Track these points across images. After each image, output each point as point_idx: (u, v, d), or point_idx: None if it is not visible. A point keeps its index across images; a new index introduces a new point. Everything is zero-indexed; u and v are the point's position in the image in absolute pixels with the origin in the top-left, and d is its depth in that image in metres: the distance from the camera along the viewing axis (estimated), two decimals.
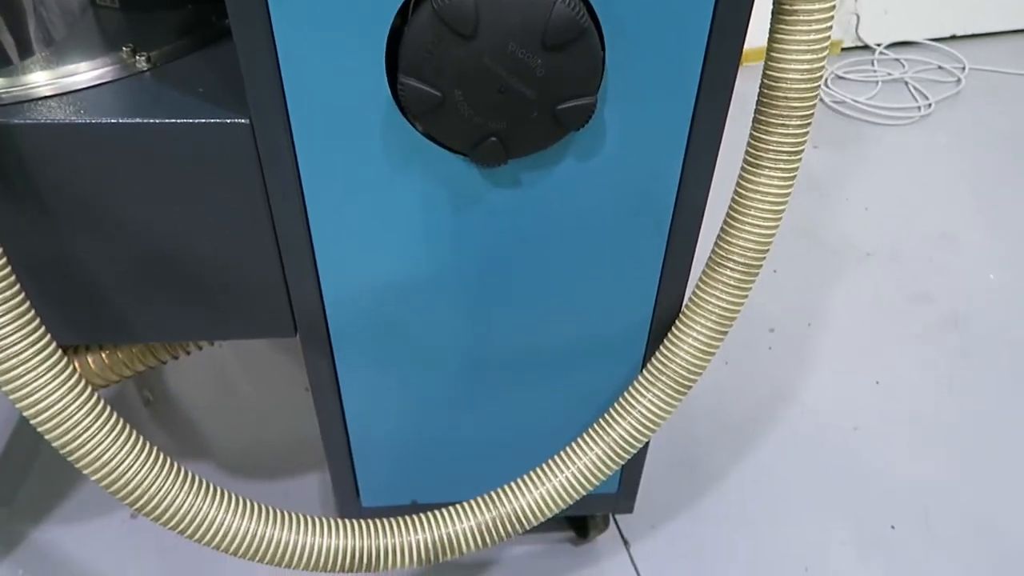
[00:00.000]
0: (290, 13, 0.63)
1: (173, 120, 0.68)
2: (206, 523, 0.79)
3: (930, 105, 2.44)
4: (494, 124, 0.67)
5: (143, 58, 0.75)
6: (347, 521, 0.86)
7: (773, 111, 0.73)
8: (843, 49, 2.73)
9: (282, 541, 0.82)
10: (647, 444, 1.07)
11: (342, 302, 0.83)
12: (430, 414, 0.98)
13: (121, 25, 0.75)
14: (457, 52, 0.62)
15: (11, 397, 0.70)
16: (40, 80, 0.72)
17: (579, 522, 1.28)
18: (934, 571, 1.26)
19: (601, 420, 0.91)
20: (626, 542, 1.29)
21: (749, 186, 0.77)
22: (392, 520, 0.89)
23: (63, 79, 0.73)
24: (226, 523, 0.79)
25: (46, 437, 0.72)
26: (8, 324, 0.67)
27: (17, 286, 0.68)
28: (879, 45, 2.70)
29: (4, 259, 0.67)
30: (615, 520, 1.32)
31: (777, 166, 0.76)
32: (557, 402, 0.97)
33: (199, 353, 1.58)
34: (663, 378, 0.88)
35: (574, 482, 0.90)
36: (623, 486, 1.13)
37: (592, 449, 0.90)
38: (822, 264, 1.87)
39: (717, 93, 0.70)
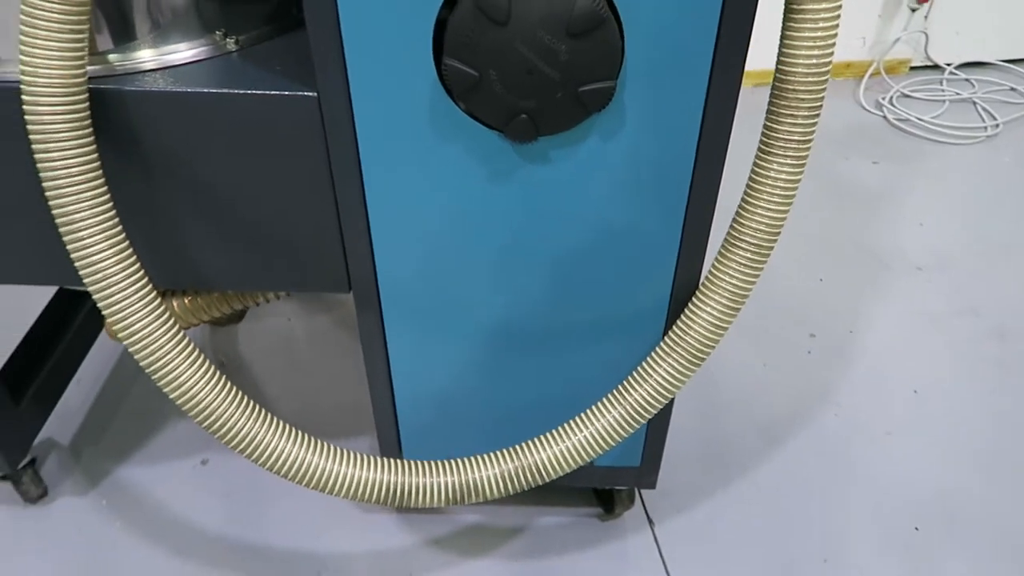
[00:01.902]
0: (354, 6, 0.74)
1: (253, 92, 0.80)
2: (262, 446, 0.91)
3: (997, 125, 2.42)
4: (524, 103, 0.76)
5: (232, 40, 0.88)
6: (387, 459, 0.97)
7: (783, 103, 0.80)
8: (911, 68, 2.73)
9: (329, 470, 0.93)
10: (668, 419, 1.14)
11: (391, 262, 0.94)
12: (466, 375, 1.07)
13: (216, 12, 0.89)
14: (492, 37, 0.72)
15: (115, 328, 0.84)
16: (146, 56, 0.86)
17: (606, 497, 1.35)
18: (952, 573, 1.28)
19: (621, 386, 0.99)
20: (651, 521, 1.36)
21: (761, 172, 0.84)
22: (426, 462, 0.98)
23: (165, 56, 0.86)
24: (279, 448, 0.91)
25: (140, 362, 0.86)
26: (115, 265, 0.81)
27: (123, 234, 0.82)
28: (949, 65, 2.69)
29: (113, 210, 0.81)
30: (642, 499, 1.38)
31: (787, 154, 0.83)
32: (582, 368, 1.06)
33: (270, 325, 1.73)
34: (679, 349, 0.95)
35: (593, 441, 0.98)
36: (645, 460, 1.20)
37: (611, 411, 0.98)
38: (870, 275, 1.89)
39: (727, 78, 0.78)
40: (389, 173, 0.86)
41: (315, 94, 0.80)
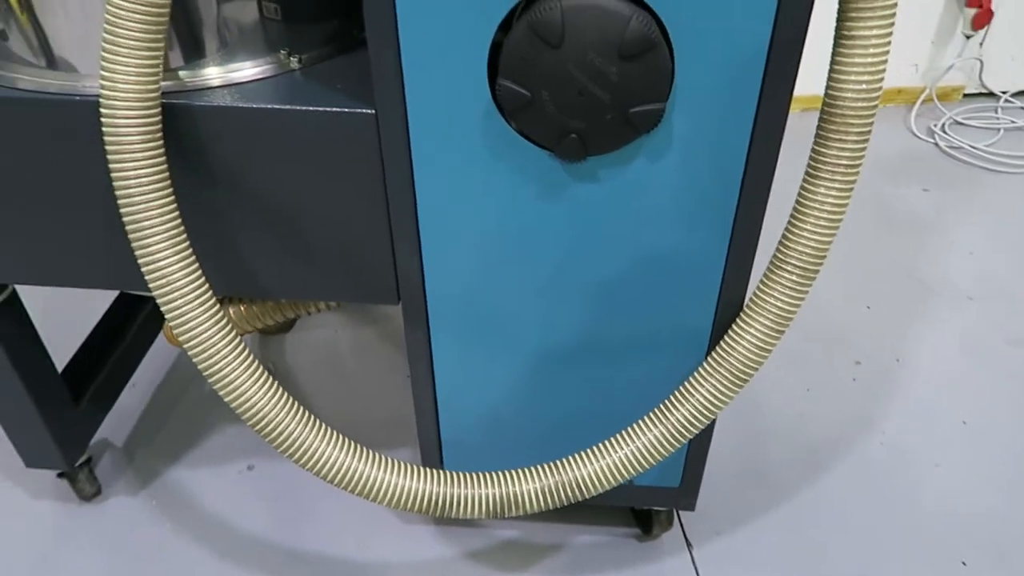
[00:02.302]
0: (414, 28, 0.77)
1: (315, 108, 0.84)
2: (310, 451, 0.93)
3: None
4: (575, 123, 0.78)
5: (295, 59, 0.92)
6: (430, 469, 0.99)
7: (832, 127, 0.81)
8: (965, 95, 2.69)
9: (374, 478, 0.96)
10: (708, 440, 1.14)
11: (439, 275, 0.97)
12: (509, 389, 1.09)
13: (281, 32, 0.93)
14: (545, 59, 0.74)
15: (176, 331, 0.87)
16: (214, 73, 0.90)
17: (644, 518, 1.35)
18: None
19: (663, 405, 0.99)
20: (689, 543, 1.35)
21: (808, 196, 0.85)
22: (468, 474, 1.00)
23: (232, 73, 0.90)
24: (327, 453, 0.93)
25: (198, 366, 0.89)
26: (179, 272, 0.85)
27: (187, 241, 0.86)
28: (1004, 92, 2.64)
29: (179, 219, 0.85)
30: (680, 521, 1.38)
31: (835, 178, 0.83)
32: (624, 386, 1.06)
33: (317, 336, 1.77)
34: (722, 370, 0.95)
35: (634, 459, 0.99)
36: (685, 481, 1.20)
37: (652, 430, 0.98)
38: (919, 303, 1.87)
39: (776, 102, 0.79)
40: (441, 188, 0.89)
41: (373, 111, 0.84)
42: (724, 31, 0.75)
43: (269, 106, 0.85)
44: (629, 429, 1.00)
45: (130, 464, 1.48)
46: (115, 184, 0.82)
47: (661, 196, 0.87)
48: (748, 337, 0.93)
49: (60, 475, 1.36)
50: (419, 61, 0.79)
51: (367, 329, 1.81)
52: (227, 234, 0.96)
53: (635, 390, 1.06)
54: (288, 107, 0.84)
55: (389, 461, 0.97)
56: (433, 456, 1.19)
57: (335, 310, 1.52)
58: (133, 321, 1.48)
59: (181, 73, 0.89)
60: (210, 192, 0.92)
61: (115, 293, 1.51)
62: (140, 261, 0.85)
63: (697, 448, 1.15)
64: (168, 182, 0.84)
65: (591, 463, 1.00)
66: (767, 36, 0.75)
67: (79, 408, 1.31)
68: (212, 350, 0.88)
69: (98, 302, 1.50)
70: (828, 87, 0.80)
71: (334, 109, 0.84)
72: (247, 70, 0.91)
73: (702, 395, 0.96)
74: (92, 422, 1.37)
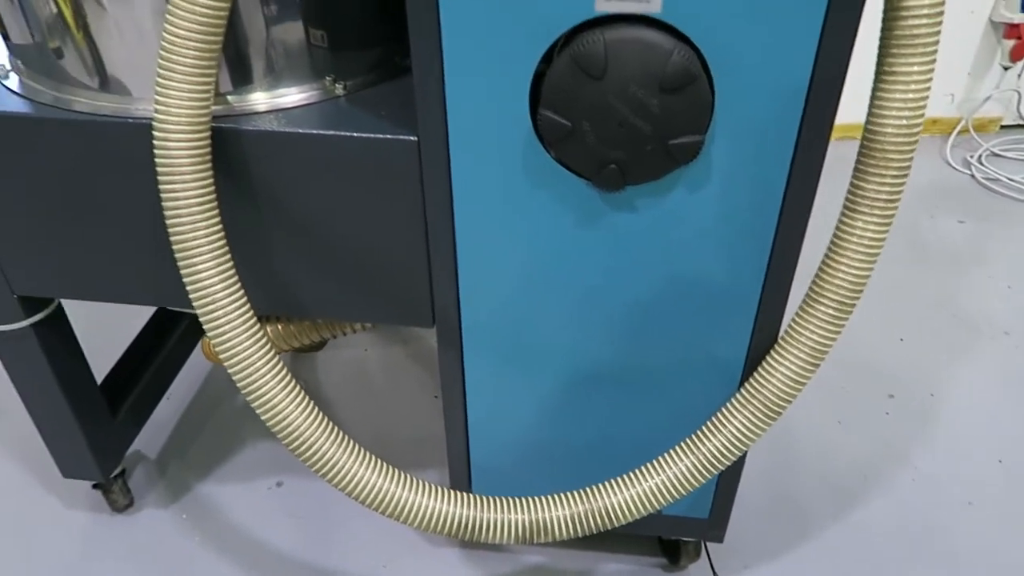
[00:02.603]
0: (458, 57, 0.78)
1: (360, 134, 0.86)
2: (343, 471, 0.94)
3: None
4: (614, 153, 0.79)
5: (341, 86, 0.94)
6: (461, 493, 0.99)
7: (871, 162, 0.81)
8: (1002, 127, 2.66)
9: (404, 499, 0.96)
10: (739, 472, 1.13)
11: (475, 300, 0.98)
12: (540, 414, 1.09)
13: (327, 59, 0.95)
14: (587, 90, 0.76)
15: (217, 348, 0.89)
16: (261, 98, 0.93)
17: (671, 548, 1.33)
18: None
19: (694, 435, 0.99)
20: None
21: (846, 229, 0.85)
22: (498, 498, 1.00)
23: (278, 98, 0.93)
24: (358, 473, 0.94)
25: (236, 381, 0.91)
26: (222, 290, 0.87)
27: (231, 260, 0.88)
28: None
29: (224, 239, 0.87)
30: (708, 553, 1.36)
31: (873, 212, 0.83)
32: (655, 415, 1.06)
33: (347, 355, 1.78)
34: (755, 401, 0.95)
35: (664, 488, 0.98)
36: (714, 513, 1.19)
37: (683, 460, 0.98)
38: (954, 337, 1.84)
39: (815, 136, 0.79)
40: (479, 214, 0.90)
41: (415, 138, 0.85)
42: (765, 66, 0.75)
43: (315, 131, 0.87)
44: (660, 459, 1.00)
45: (162, 477, 1.50)
46: (164, 204, 0.85)
47: (698, 226, 0.87)
48: (782, 369, 0.93)
49: (95, 486, 1.38)
50: (462, 90, 0.81)
51: (396, 348, 1.83)
52: (269, 254, 0.98)
53: (665, 419, 1.06)
54: (333, 132, 0.86)
55: (420, 483, 0.98)
56: (462, 478, 1.20)
57: (365, 330, 1.53)
58: (170, 336, 1.51)
59: (229, 97, 0.92)
60: (254, 213, 0.94)
61: (153, 308, 1.54)
62: (185, 279, 0.87)
63: (727, 480, 1.14)
64: (214, 203, 0.86)
65: (621, 491, 0.99)
66: (808, 73, 0.75)
67: (116, 420, 1.33)
68: (251, 368, 0.89)
69: (136, 317, 1.53)
70: (868, 122, 0.80)
71: (378, 135, 0.86)
72: (293, 95, 0.93)
73: (734, 427, 0.96)
74: (128, 434, 1.40)
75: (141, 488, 1.47)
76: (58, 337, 1.16)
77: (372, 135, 0.86)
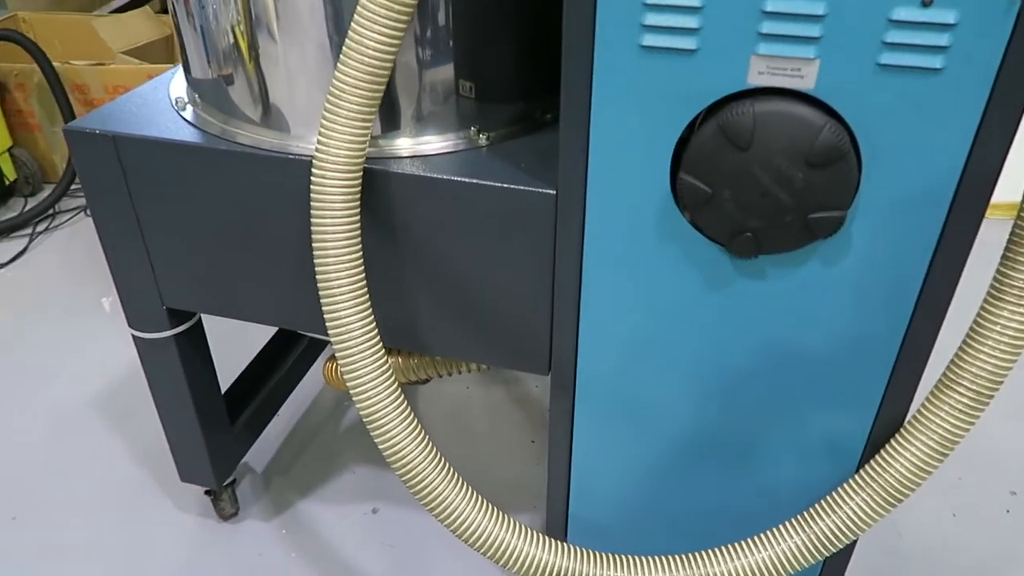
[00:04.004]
0: (606, 118, 0.81)
1: (502, 184, 0.90)
2: (449, 508, 0.96)
3: None
4: (752, 222, 0.80)
5: (484, 136, 0.99)
6: (565, 543, 0.99)
7: (1022, 249, 0.78)
8: None
9: (514, 547, 0.97)
10: (847, 558, 1.09)
11: (593, 353, 0.99)
12: (646, 474, 1.09)
13: (472, 110, 1.00)
14: (731, 159, 0.77)
15: (346, 375, 0.93)
16: (407, 144, 0.98)
17: None
18: None
19: (807, 512, 0.96)
20: None
21: (989, 317, 0.82)
22: (604, 555, 1.00)
23: (424, 144, 0.98)
24: (467, 514, 0.96)
25: (359, 409, 0.95)
26: (357, 322, 0.92)
27: (367, 294, 0.93)
28: None
29: (363, 273, 0.92)
30: None
31: (1020, 301, 0.80)
32: (764, 488, 1.04)
33: (450, 390, 1.82)
34: (875, 485, 0.92)
35: (771, 564, 0.96)
36: None
37: (794, 537, 0.95)
38: None
39: (966, 221, 0.77)
40: (607, 270, 0.91)
41: (554, 192, 0.88)
42: (916, 151, 0.75)
43: (459, 178, 0.91)
44: (769, 533, 0.97)
45: (267, 490, 1.56)
46: (314, 238, 0.90)
47: (830, 302, 0.86)
48: (908, 455, 0.90)
49: (207, 492, 1.45)
50: (605, 149, 0.83)
51: (497, 389, 1.85)
52: (399, 290, 1.02)
53: (773, 493, 1.04)
54: (476, 181, 0.90)
55: (528, 531, 0.98)
56: (558, 528, 1.19)
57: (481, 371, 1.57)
58: (288, 357, 1.58)
59: (380, 141, 0.98)
60: (390, 251, 0.99)
61: (274, 329, 1.62)
62: (324, 308, 0.92)
63: (834, 565, 1.10)
64: (359, 240, 0.91)
65: (726, 563, 0.97)
66: (960, 165, 0.74)
67: (234, 430, 1.40)
68: (375, 397, 0.93)
69: (258, 334, 1.62)
70: (1021, 208, 0.78)
71: (520, 187, 0.89)
72: (438, 143, 0.98)
73: (851, 508, 0.93)
74: (242, 445, 1.47)
75: (246, 499, 1.53)
76: (195, 349, 1.24)
77: (513, 186, 0.89)
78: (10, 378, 1.86)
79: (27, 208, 2.44)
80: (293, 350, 1.60)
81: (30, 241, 2.35)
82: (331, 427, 1.72)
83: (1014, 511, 1.54)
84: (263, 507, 1.53)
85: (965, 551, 1.46)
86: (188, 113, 1.07)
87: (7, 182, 2.48)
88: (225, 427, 1.37)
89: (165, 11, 2.80)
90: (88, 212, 2.47)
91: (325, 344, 1.81)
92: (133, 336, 1.20)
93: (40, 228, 2.40)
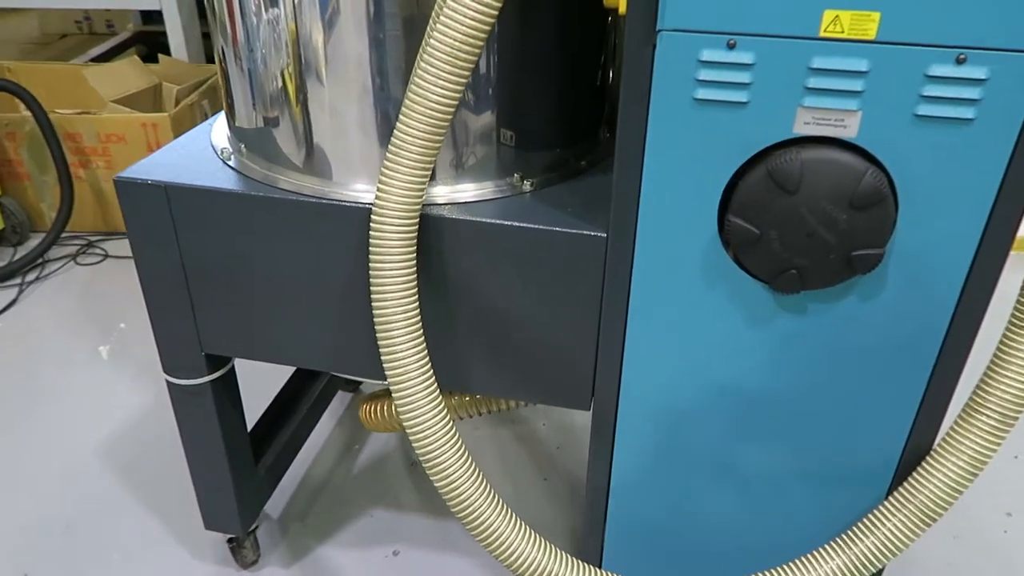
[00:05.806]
0: (658, 164, 0.86)
1: (553, 228, 0.94)
2: (504, 544, 0.99)
3: None
4: (798, 260, 0.85)
5: (528, 183, 1.03)
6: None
7: None
8: None
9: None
10: None
11: (634, 390, 1.03)
12: (683, 507, 1.12)
13: (513, 158, 1.05)
14: (779, 202, 0.82)
15: (403, 416, 0.96)
16: (461, 190, 1.02)
17: None
18: None
19: (844, 535, 1.00)
20: None
21: (1013, 342, 0.88)
22: None
23: (477, 191, 1.02)
24: (523, 550, 0.99)
25: (415, 447, 0.97)
26: (415, 363, 0.95)
27: (423, 336, 0.96)
28: None
29: (419, 316, 0.95)
30: None
31: None
32: (795, 515, 1.08)
33: (467, 426, 1.83)
34: (910, 506, 0.97)
35: None
36: None
37: (832, 560, 1.00)
38: None
39: (993, 256, 0.84)
40: (653, 308, 0.96)
41: (605, 234, 0.93)
42: (948, 193, 0.81)
43: (512, 223, 0.96)
44: (807, 558, 1.01)
45: (284, 537, 1.55)
46: (372, 281, 0.93)
47: (866, 332, 0.92)
48: (940, 476, 0.95)
49: (229, 540, 1.44)
50: (657, 194, 0.88)
51: (504, 430, 1.87)
52: (449, 331, 1.05)
53: (807, 519, 1.08)
54: (529, 225, 0.95)
55: (579, 563, 1.01)
56: (593, 558, 1.22)
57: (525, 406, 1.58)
58: (307, 398, 1.59)
59: (433, 189, 1.02)
60: (441, 293, 1.03)
61: (291, 370, 1.63)
62: (382, 350, 0.95)
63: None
64: (415, 284, 0.94)
65: None
66: (989, 204, 0.81)
67: (258, 473, 1.40)
68: (432, 436, 0.96)
69: (276, 375, 1.61)
70: None
71: (571, 231, 0.94)
72: (488, 189, 1.02)
73: (887, 529, 0.98)
74: (267, 489, 1.46)
75: (265, 546, 1.52)
76: (228, 393, 1.25)
77: (565, 230, 0.94)
78: (14, 431, 1.83)
79: (16, 258, 2.41)
80: (310, 392, 1.60)
81: (20, 292, 2.32)
82: (343, 471, 1.72)
83: (1011, 531, 1.61)
84: (281, 554, 1.52)
85: (967, 571, 1.52)
86: (233, 161, 1.10)
87: None
88: (251, 471, 1.37)
89: (151, 60, 2.82)
90: (78, 261, 2.47)
91: (338, 387, 1.82)
92: (168, 383, 1.20)
93: (30, 278, 2.37)
